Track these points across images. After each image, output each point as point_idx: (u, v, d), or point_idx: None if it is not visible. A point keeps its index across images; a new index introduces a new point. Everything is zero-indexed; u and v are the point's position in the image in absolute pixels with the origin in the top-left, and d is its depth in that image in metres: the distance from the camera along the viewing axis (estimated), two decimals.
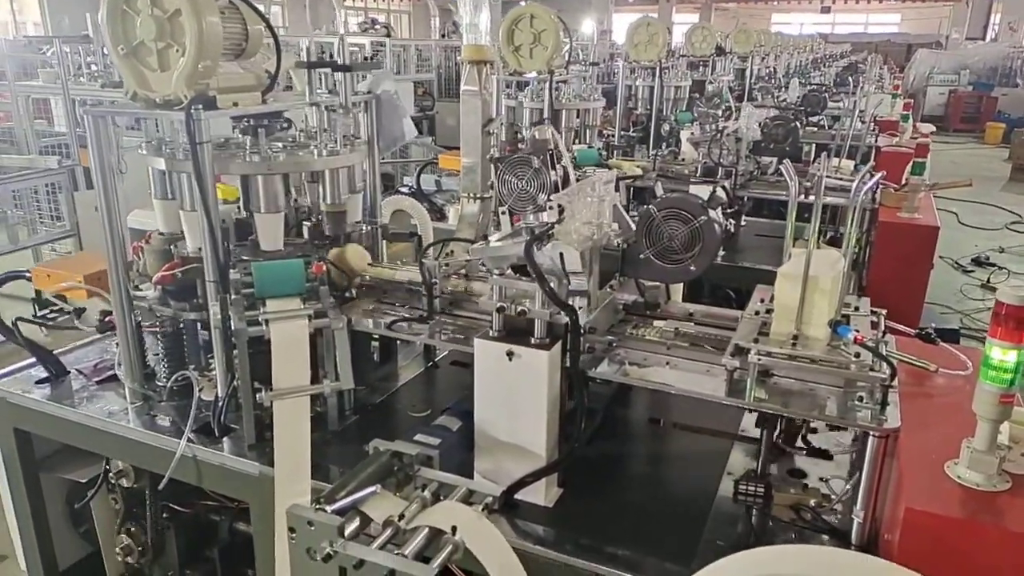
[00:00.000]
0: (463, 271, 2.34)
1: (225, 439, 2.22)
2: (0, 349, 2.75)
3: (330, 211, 2.46)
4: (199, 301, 2.34)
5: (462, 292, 2.30)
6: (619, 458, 2.21)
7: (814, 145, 5.89)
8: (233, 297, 2.05)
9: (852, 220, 1.94)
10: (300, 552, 1.52)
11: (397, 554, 1.46)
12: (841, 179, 4.06)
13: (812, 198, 3.91)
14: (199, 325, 2.39)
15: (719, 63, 7.62)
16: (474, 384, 1.91)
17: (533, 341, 1.85)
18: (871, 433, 1.67)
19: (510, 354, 1.84)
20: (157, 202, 2.44)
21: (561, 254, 1.85)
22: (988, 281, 7.52)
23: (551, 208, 1.93)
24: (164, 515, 2.58)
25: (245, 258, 2.26)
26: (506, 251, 1.83)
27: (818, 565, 1.35)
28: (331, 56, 2.76)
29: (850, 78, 9.19)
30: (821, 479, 2.04)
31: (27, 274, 2.57)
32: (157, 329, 2.42)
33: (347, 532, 1.48)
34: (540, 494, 1.92)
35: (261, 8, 2.36)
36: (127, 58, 2.13)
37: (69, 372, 2.60)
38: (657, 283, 2.20)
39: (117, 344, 2.76)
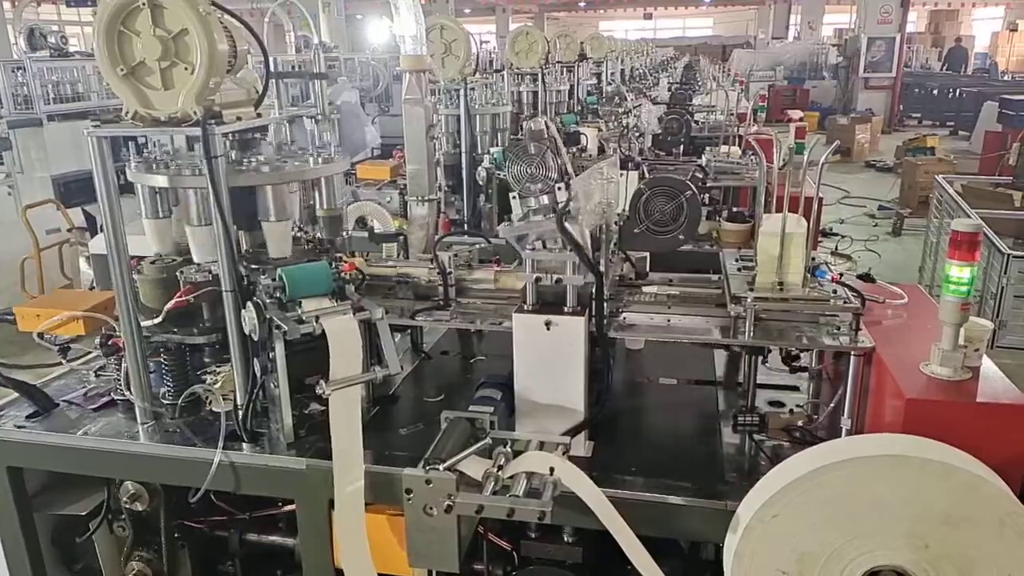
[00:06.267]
0: (465, 263, 2.54)
1: (247, 444, 2.29)
2: None
3: (327, 216, 2.56)
4: (206, 324, 2.38)
5: (466, 281, 2.50)
6: (626, 412, 2.50)
7: None
8: (268, 301, 2.14)
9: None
10: (416, 511, 1.68)
11: (511, 495, 1.66)
12: (732, 163, 4.59)
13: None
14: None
15: (582, 67, 8.18)
16: (513, 355, 2.12)
17: (567, 310, 2.09)
18: (852, 353, 2.06)
19: (548, 323, 2.07)
20: (148, 222, 2.45)
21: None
22: (836, 248, 8.56)
23: (560, 188, 2.17)
24: (176, 534, 2.58)
25: (254, 266, 2.33)
26: (536, 228, 2.05)
27: (885, 443, 1.71)
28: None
29: (694, 77, 10.15)
30: (797, 405, 2.43)
31: (8, 317, 2.47)
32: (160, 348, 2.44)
33: (462, 486, 1.66)
34: (580, 446, 2.16)
35: None
36: (126, 79, 2.16)
37: (58, 404, 2.53)
38: (644, 254, 2.51)
39: (98, 371, 2.73)
